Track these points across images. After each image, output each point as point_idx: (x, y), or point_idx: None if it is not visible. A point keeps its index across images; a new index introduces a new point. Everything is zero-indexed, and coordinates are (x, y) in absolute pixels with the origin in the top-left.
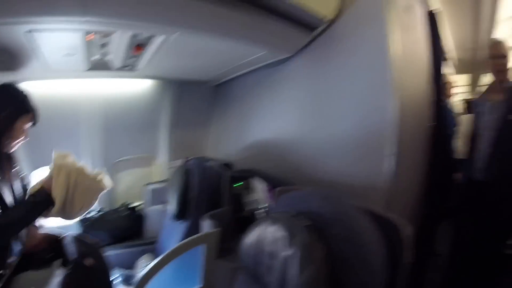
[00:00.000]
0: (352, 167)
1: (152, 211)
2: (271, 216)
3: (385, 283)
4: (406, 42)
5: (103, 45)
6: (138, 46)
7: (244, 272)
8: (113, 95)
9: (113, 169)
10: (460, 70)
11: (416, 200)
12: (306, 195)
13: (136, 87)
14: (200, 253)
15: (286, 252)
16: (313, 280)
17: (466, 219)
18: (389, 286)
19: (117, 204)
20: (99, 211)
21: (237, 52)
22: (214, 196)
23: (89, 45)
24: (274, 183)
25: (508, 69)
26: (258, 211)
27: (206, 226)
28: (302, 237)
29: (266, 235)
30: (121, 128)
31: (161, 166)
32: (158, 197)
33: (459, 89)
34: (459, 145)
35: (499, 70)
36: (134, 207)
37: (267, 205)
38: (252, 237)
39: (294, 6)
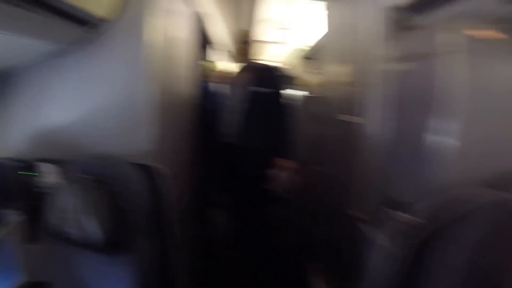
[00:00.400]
0: (123, 138)
1: None
2: (63, 186)
3: (151, 215)
4: (168, 39)
5: None
6: None
7: (56, 242)
8: None
9: None
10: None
11: (187, 161)
12: (90, 163)
13: None
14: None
15: (83, 207)
16: (103, 222)
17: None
18: (156, 219)
19: None
20: None
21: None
22: (10, 189)
23: None
24: (63, 163)
25: (251, 52)
26: (50, 189)
27: (9, 218)
28: (90, 192)
29: (64, 202)
30: None
31: None
32: None
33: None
34: (223, 117)
35: (244, 53)
36: None
37: (57, 182)
38: (53, 209)
39: (64, 2)
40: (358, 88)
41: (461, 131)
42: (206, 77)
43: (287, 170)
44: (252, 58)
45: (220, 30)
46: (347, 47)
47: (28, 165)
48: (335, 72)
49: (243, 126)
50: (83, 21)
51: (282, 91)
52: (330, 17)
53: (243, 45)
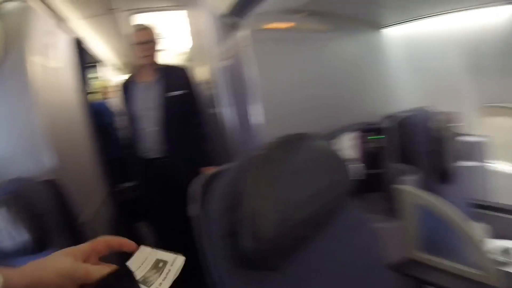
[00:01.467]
0: (29, 161)
1: None
2: None
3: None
4: (50, 70)
5: None
6: None
7: None
8: None
9: None
10: (127, 71)
11: (96, 180)
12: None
13: None
14: None
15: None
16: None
17: (150, 194)
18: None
19: None
20: None
21: None
22: None
23: None
24: None
25: (154, 52)
26: None
27: None
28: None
29: None
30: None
31: None
32: None
33: None
34: (122, 130)
35: (146, 55)
36: None
37: None
38: None
39: None
40: (212, 84)
41: (261, 110)
42: (100, 95)
43: None
44: (153, 58)
45: (103, 48)
46: (200, 50)
47: None
48: (200, 71)
49: (161, 137)
50: None
51: (195, 92)
52: (191, 25)
53: (142, 45)
